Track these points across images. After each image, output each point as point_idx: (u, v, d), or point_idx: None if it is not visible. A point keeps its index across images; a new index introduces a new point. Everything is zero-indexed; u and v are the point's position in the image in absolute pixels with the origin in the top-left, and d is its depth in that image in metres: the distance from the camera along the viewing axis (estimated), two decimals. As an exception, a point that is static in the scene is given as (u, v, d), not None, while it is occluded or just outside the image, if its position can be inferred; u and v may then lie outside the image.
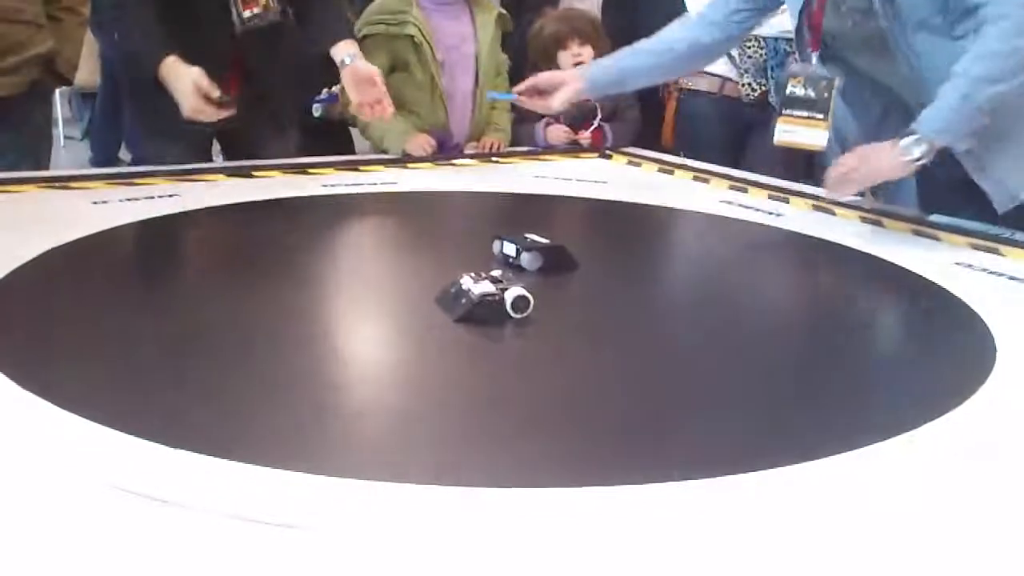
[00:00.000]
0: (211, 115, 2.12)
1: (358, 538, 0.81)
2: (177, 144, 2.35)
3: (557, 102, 2.24)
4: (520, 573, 0.78)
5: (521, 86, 2.31)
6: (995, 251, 1.84)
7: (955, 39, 1.78)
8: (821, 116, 1.92)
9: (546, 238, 1.62)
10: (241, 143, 2.51)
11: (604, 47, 2.95)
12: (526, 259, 1.57)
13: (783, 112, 1.95)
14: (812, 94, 1.92)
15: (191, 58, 2.14)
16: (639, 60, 2.24)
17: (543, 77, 2.28)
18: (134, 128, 2.73)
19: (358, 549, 0.80)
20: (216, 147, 2.66)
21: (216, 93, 2.08)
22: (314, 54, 2.48)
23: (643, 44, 2.25)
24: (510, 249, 1.59)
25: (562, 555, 0.81)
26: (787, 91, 1.93)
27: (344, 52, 2.32)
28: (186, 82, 2.08)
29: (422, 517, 0.83)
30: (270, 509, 0.83)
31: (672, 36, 2.21)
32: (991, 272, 1.70)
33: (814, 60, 1.93)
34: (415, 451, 0.97)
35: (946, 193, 2.22)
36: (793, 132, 1.96)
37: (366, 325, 1.42)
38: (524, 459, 0.96)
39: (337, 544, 0.81)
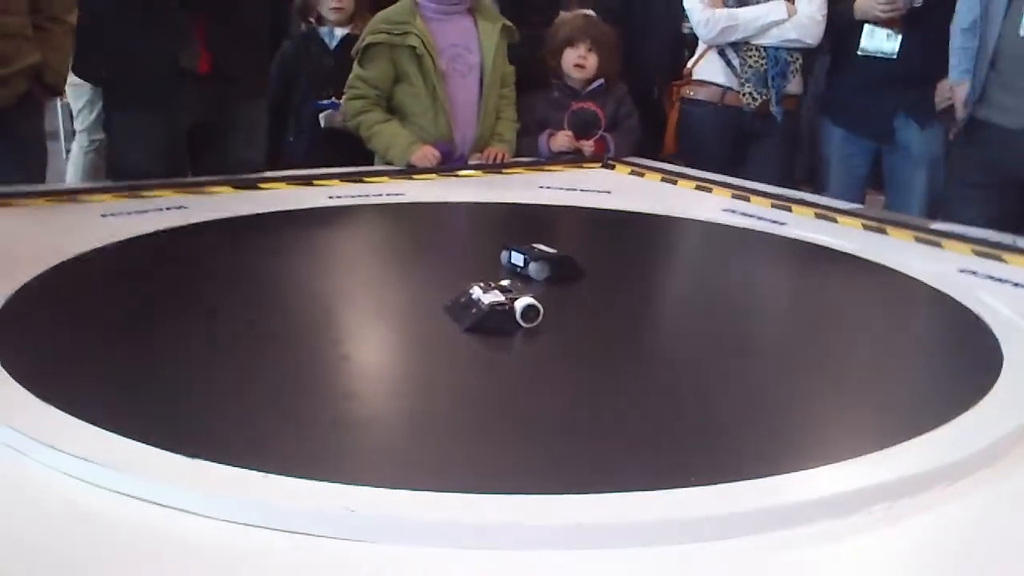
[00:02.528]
0: None
1: (370, 544, 0.82)
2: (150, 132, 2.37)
3: None
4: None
5: None
6: (998, 258, 1.85)
7: None
8: None
9: (553, 248, 1.63)
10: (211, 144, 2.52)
11: (611, 64, 2.98)
12: (534, 269, 1.58)
13: None
14: None
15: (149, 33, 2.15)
16: None
17: None
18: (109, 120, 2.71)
19: (370, 555, 0.81)
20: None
21: None
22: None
23: None
24: (518, 259, 1.60)
25: (574, 560, 0.82)
26: None
27: None
28: None
29: (434, 523, 0.84)
30: (283, 517, 0.84)
31: None
32: (995, 278, 1.71)
33: None
34: (427, 459, 0.98)
35: (960, 195, 2.31)
36: None
37: (377, 335, 1.43)
38: (535, 466, 0.97)
39: (350, 550, 0.82)
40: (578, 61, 2.93)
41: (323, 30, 3.06)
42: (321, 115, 2.96)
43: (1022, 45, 2.30)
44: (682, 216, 2.17)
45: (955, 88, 2.60)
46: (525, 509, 0.86)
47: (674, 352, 1.40)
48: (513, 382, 1.24)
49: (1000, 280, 1.70)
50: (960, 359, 1.37)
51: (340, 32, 3.03)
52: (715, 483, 0.90)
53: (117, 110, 2.52)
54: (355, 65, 2.74)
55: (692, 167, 2.77)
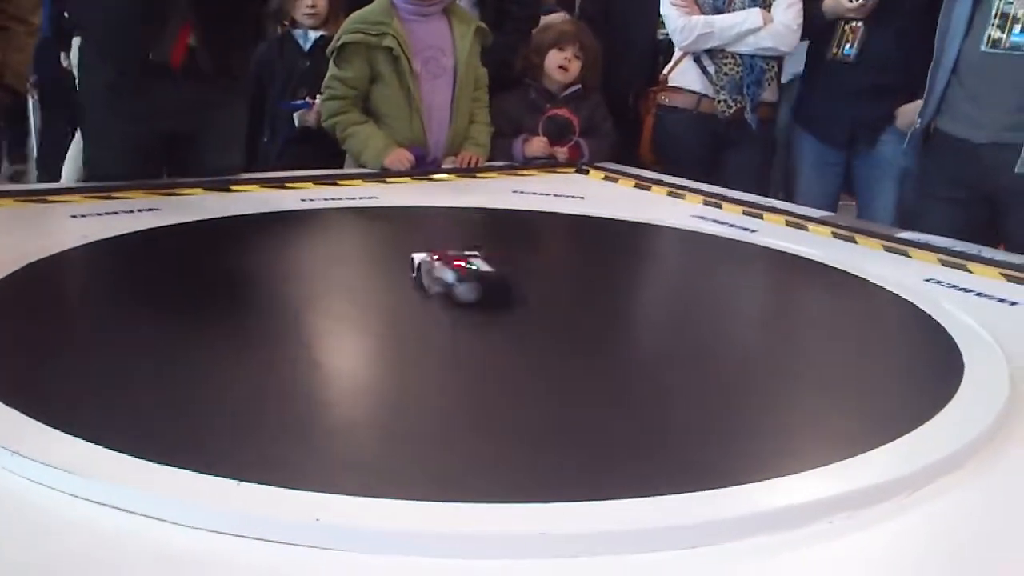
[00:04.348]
0: None
1: (338, 552, 0.83)
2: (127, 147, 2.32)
3: None
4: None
5: None
6: (963, 267, 1.88)
7: None
8: None
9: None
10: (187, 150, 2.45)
11: (592, 74, 3.01)
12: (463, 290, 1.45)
13: None
14: None
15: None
16: None
17: None
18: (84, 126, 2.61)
19: (338, 564, 0.82)
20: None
21: None
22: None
23: None
24: (448, 276, 1.47)
25: (538, 569, 0.82)
26: None
27: None
28: None
29: (402, 532, 0.84)
30: (255, 525, 0.84)
31: None
32: (960, 288, 1.74)
33: None
34: (396, 467, 0.98)
35: (927, 207, 2.34)
36: None
37: (347, 341, 1.43)
38: (501, 474, 0.97)
39: (318, 559, 0.82)
40: (563, 63, 2.95)
41: (297, 32, 3.06)
42: (295, 114, 2.96)
43: (987, 58, 2.33)
44: (653, 222, 2.18)
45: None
46: (491, 518, 0.86)
47: (640, 359, 1.41)
48: (483, 390, 1.24)
49: (964, 290, 1.73)
50: (922, 368, 1.39)
51: (314, 34, 3.04)
52: (674, 493, 0.91)
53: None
54: (331, 65, 2.73)
55: (668, 173, 2.79)
